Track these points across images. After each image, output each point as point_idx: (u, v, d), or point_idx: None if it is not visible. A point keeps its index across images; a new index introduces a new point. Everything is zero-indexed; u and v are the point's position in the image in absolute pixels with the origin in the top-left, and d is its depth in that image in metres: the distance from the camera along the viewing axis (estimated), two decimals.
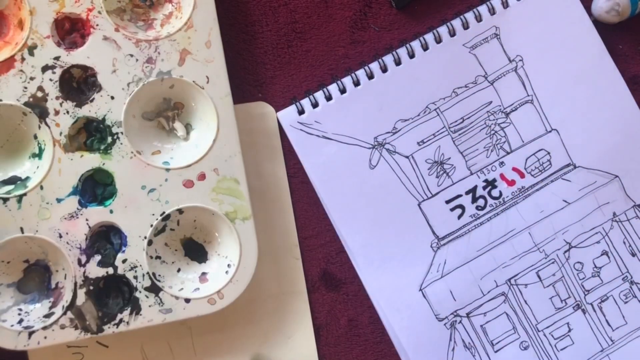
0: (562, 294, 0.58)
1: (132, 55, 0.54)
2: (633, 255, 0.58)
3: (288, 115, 0.57)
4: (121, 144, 0.54)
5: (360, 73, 0.57)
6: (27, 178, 0.54)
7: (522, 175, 0.58)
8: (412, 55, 0.57)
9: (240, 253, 0.54)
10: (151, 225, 0.53)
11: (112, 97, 0.54)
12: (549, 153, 0.58)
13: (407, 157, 0.57)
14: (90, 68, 0.54)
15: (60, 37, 0.54)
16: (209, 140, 0.54)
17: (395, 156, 0.57)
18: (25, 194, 0.53)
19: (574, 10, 0.58)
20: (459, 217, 0.58)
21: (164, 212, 0.54)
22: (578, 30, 0.58)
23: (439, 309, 0.57)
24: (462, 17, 0.58)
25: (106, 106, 0.54)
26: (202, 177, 0.54)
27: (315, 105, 0.57)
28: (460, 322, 0.57)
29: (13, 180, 0.54)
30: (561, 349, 0.57)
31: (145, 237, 0.53)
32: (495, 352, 0.57)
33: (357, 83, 0.57)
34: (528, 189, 0.58)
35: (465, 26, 0.58)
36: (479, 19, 0.58)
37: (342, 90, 0.57)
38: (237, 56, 0.55)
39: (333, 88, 0.57)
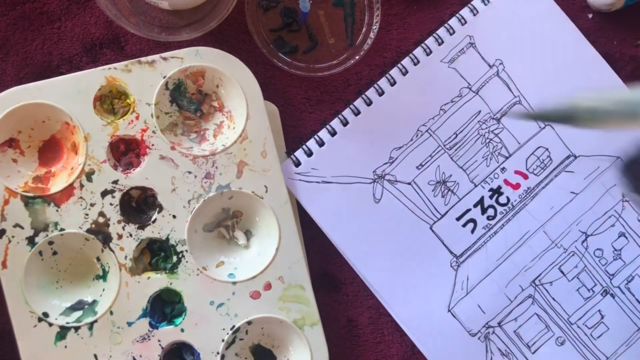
0: (587, 283, 0.58)
1: (190, 172, 0.54)
2: None
3: (285, 169, 0.57)
4: (186, 262, 0.54)
5: (347, 112, 0.57)
6: (95, 302, 0.54)
7: (525, 177, 0.58)
8: (393, 83, 0.57)
9: (311, 359, 0.54)
10: (222, 340, 0.54)
11: (174, 216, 0.54)
12: (547, 149, 0.58)
13: (409, 183, 0.58)
14: (149, 189, 0.54)
15: (115, 159, 0.54)
16: (272, 248, 0.54)
17: (397, 185, 0.58)
18: (96, 321, 0.53)
19: (543, 3, 0.58)
20: (472, 231, 0.58)
21: (234, 326, 0.54)
22: (551, 23, 0.58)
23: (471, 325, 0.57)
24: (434, 34, 0.57)
25: (168, 226, 0.54)
26: (268, 286, 0.54)
27: (309, 154, 0.57)
28: (493, 332, 0.58)
29: (80, 305, 0.54)
30: (597, 337, 0.58)
31: (218, 353, 0.54)
32: (533, 353, 0.58)
33: (345, 122, 0.57)
34: (534, 188, 0.58)
35: (440, 42, 0.58)
36: (451, 32, 0.58)
37: (332, 133, 0.57)
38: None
39: (323, 133, 0.57)
